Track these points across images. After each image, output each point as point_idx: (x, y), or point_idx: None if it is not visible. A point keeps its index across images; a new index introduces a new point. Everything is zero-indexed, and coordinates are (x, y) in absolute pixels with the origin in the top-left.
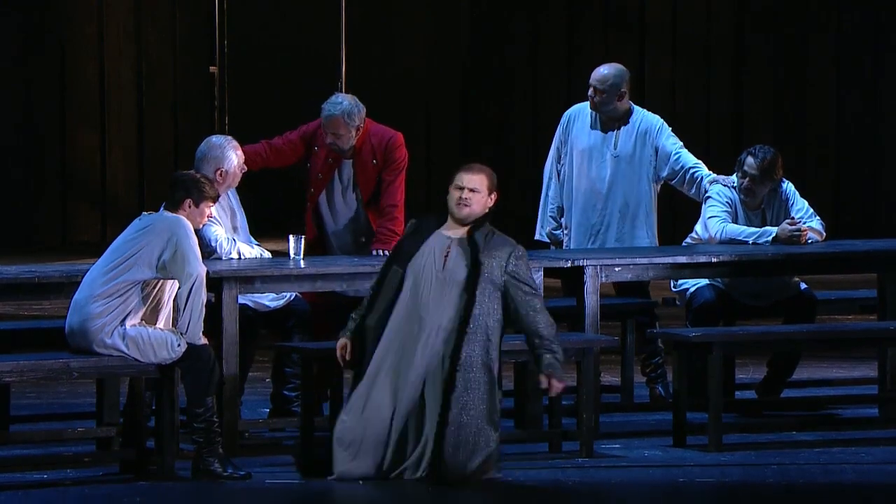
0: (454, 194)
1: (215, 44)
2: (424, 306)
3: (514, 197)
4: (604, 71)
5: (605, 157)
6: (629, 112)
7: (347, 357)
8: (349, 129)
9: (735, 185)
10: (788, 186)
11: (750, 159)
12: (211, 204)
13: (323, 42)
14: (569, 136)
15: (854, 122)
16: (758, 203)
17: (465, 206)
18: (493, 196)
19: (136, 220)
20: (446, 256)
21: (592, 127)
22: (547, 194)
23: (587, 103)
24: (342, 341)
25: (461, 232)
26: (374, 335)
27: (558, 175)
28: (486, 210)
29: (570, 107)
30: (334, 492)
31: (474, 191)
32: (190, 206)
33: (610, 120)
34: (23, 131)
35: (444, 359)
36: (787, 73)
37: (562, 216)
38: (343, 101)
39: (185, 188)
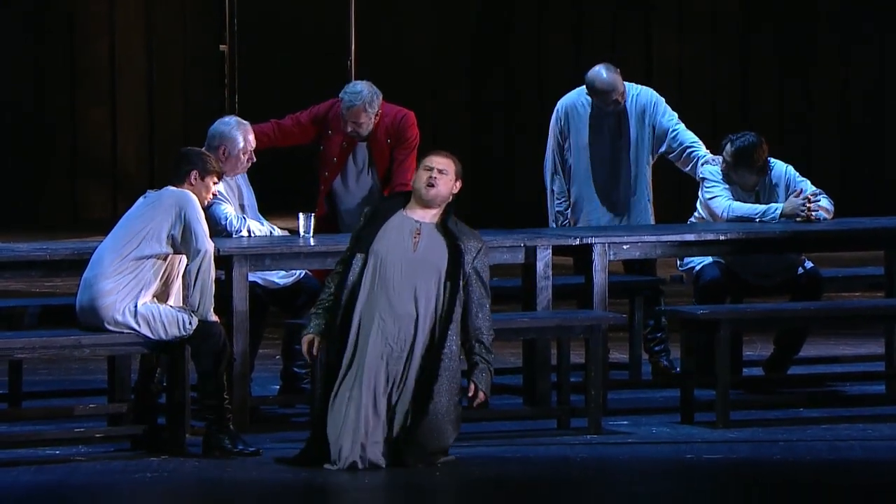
0: (422, 175)
1: (225, 22)
2: (396, 289)
3: (522, 178)
4: (611, 76)
5: (611, 144)
6: (624, 93)
7: (315, 353)
8: (369, 116)
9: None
10: (788, 170)
11: (728, 146)
12: (216, 178)
13: (332, 20)
14: (568, 131)
15: (861, 99)
16: (750, 185)
17: (433, 186)
18: (458, 182)
19: (142, 199)
20: (416, 239)
21: (592, 118)
22: (552, 189)
23: (577, 93)
24: (308, 338)
25: (429, 216)
26: (341, 326)
27: (563, 167)
28: (451, 195)
29: (575, 82)
30: (340, 474)
31: (443, 172)
32: (195, 180)
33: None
34: (33, 109)
35: (420, 346)
36: (793, 52)
37: (569, 208)
38: (362, 90)
39: (190, 161)
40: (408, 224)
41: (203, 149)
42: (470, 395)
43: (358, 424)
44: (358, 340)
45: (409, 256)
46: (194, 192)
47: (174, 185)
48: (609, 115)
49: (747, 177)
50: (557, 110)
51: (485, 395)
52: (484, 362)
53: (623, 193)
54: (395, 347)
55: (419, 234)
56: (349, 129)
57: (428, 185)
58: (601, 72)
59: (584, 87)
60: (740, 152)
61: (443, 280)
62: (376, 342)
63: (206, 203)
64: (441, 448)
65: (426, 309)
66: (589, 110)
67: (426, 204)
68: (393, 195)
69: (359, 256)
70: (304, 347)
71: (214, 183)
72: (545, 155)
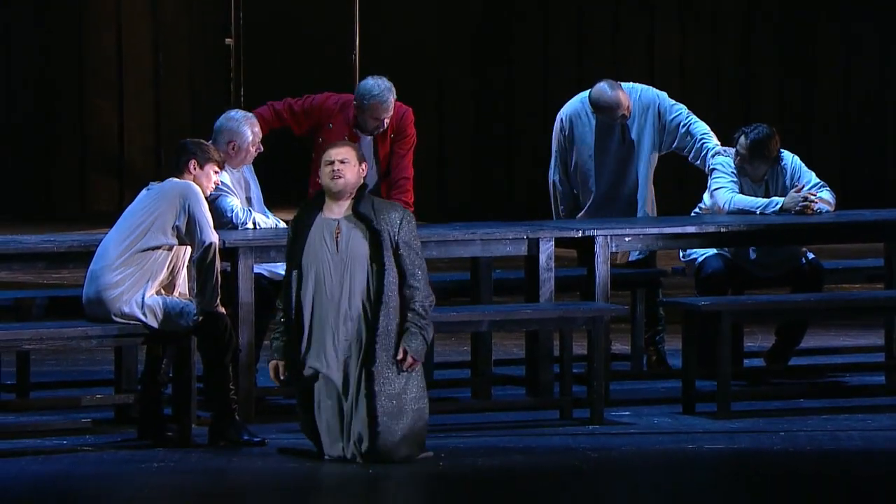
0: (326, 170)
1: (231, 16)
2: (330, 293)
3: (523, 168)
4: (615, 94)
5: (616, 148)
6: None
7: (282, 377)
8: (390, 111)
9: None
10: (794, 160)
11: (742, 139)
12: (217, 168)
13: (336, 15)
14: (572, 142)
15: (862, 92)
16: (760, 175)
17: (340, 177)
18: (363, 165)
19: (145, 190)
20: (337, 237)
21: (593, 128)
22: (557, 195)
23: (579, 101)
24: (273, 364)
25: (344, 209)
26: (298, 343)
27: (567, 175)
28: (360, 179)
29: (578, 81)
30: (345, 465)
31: (344, 162)
32: (195, 169)
33: None
34: (40, 100)
35: (361, 332)
36: (795, 45)
37: (575, 212)
38: (383, 86)
39: (188, 151)
40: (327, 225)
41: (210, 143)
42: (399, 358)
43: (332, 435)
44: (309, 355)
45: (336, 256)
46: (195, 182)
47: (176, 177)
48: (613, 124)
49: (762, 168)
50: (561, 119)
51: (413, 358)
52: (415, 327)
53: (629, 198)
54: (350, 350)
55: (339, 231)
56: (372, 126)
57: (335, 178)
58: (605, 90)
59: (586, 94)
60: (756, 144)
61: (369, 265)
62: (331, 352)
63: (208, 192)
64: (402, 435)
65: (359, 298)
66: (593, 119)
67: (338, 196)
68: (306, 202)
69: (294, 273)
70: (271, 374)
71: (215, 172)
72: (550, 162)
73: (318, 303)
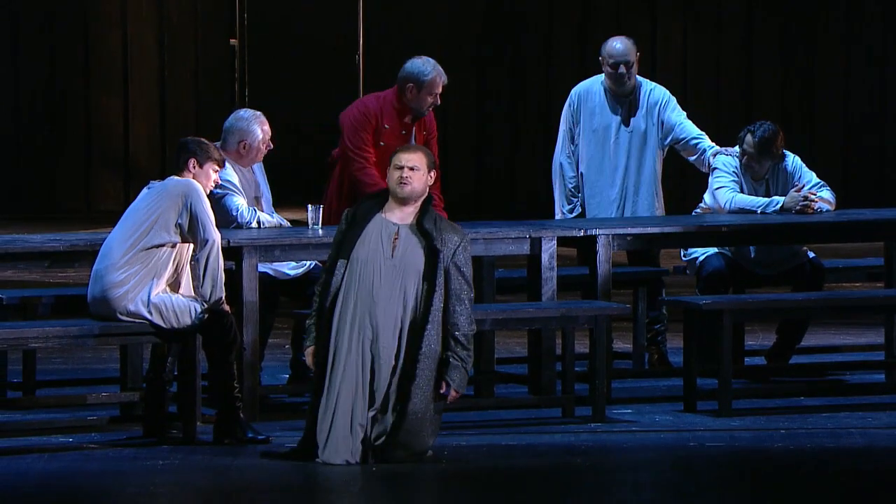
0: (394, 174)
1: (236, 16)
2: (376, 295)
3: (525, 168)
4: (622, 46)
5: (619, 133)
6: (637, 85)
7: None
8: (445, 83)
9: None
10: (795, 160)
11: (749, 137)
12: (216, 166)
13: (341, 15)
14: (580, 115)
15: (863, 91)
16: (762, 174)
17: (406, 184)
18: (432, 174)
19: (146, 189)
20: (395, 243)
21: (604, 105)
22: (563, 175)
23: (592, 81)
24: (311, 349)
25: (407, 217)
26: (325, 334)
27: (573, 152)
28: (427, 188)
29: (581, 73)
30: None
31: (414, 169)
32: (195, 167)
33: (620, 96)
34: (47, 100)
35: (401, 349)
36: (796, 43)
37: (578, 191)
38: (429, 61)
39: (188, 150)
40: (386, 228)
41: (219, 143)
42: (441, 391)
43: (337, 434)
44: (338, 347)
45: (388, 261)
46: (196, 181)
47: (176, 175)
48: (621, 104)
49: (767, 164)
50: (571, 95)
51: (457, 392)
52: (457, 359)
53: (629, 179)
54: (380, 354)
55: (397, 237)
56: (429, 103)
57: (401, 184)
58: (617, 39)
59: (600, 75)
60: (763, 142)
61: (420, 282)
62: (357, 350)
63: (207, 191)
64: (420, 450)
65: (408, 312)
66: (603, 97)
67: (403, 202)
68: (369, 196)
69: (341, 262)
70: (309, 360)
71: (215, 171)
72: (556, 142)
73: (355, 300)
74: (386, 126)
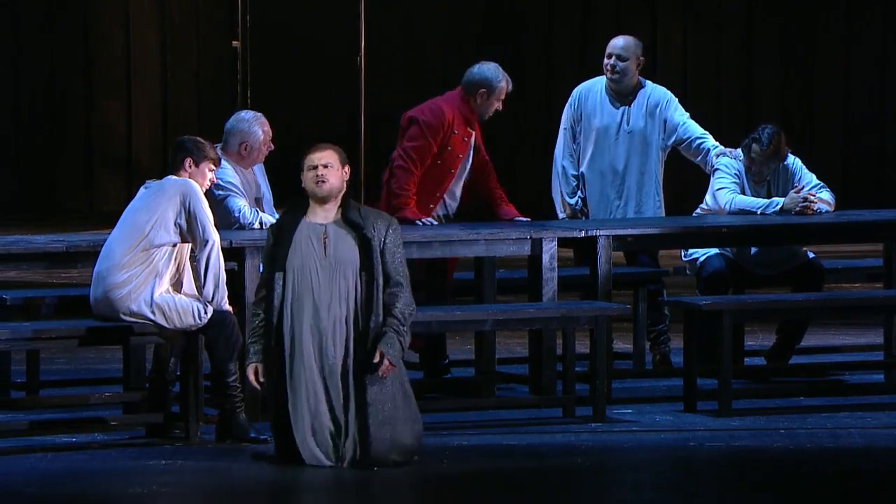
0: (309, 175)
1: (238, 18)
2: (317, 298)
3: (525, 169)
4: (622, 41)
5: (620, 133)
6: (639, 86)
7: (262, 379)
8: None
9: (741, 157)
10: (795, 161)
11: (755, 146)
12: (213, 166)
13: (342, 18)
14: (581, 114)
15: (863, 91)
16: (765, 177)
17: (324, 181)
18: (346, 168)
19: (143, 189)
20: (325, 242)
21: (605, 104)
22: (565, 175)
23: (594, 81)
24: (252, 367)
25: (330, 214)
26: (277, 348)
27: (574, 152)
28: (344, 183)
29: (581, 74)
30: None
31: (328, 166)
32: (190, 166)
33: (621, 95)
34: (49, 101)
35: (349, 345)
36: (796, 43)
37: (579, 189)
38: (496, 66)
39: (185, 149)
40: (314, 230)
41: (219, 145)
42: (375, 361)
43: (307, 444)
44: (293, 359)
45: (323, 261)
46: (192, 179)
47: (172, 174)
48: (622, 105)
49: (774, 166)
50: (573, 95)
51: (391, 363)
52: (392, 331)
53: (630, 180)
54: (333, 355)
55: (326, 236)
56: (494, 108)
57: (319, 183)
58: (623, 36)
59: (602, 76)
60: (774, 149)
61: (358, 273)
62: (312, 356)
63: (204, 190)
64: (403, 444)
65: (350, 308)
66: (604, 97)
67: (323, 201)
68: (288, 206)
69: (278, 276)
70: (251, 377)
71: (211, 170)
72: (557, 141)
73: (299, 307)
74: (455, 132)
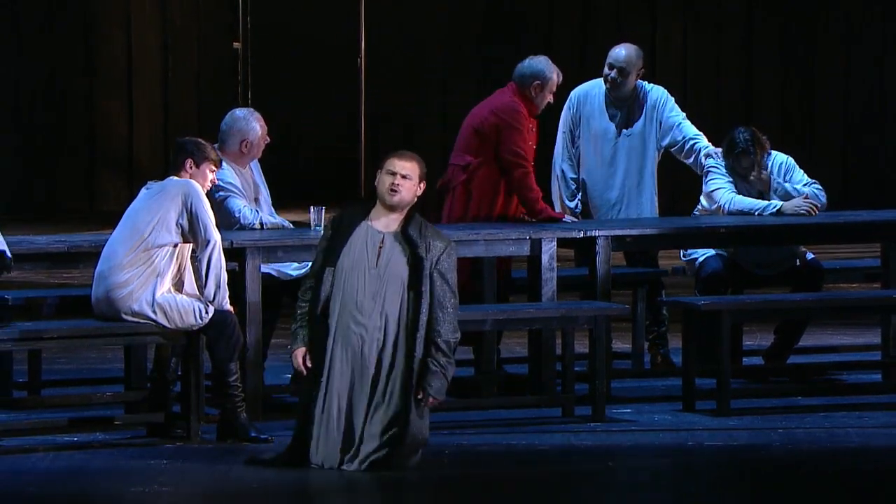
0: (386, 180)
1: (239, 19)
2: (359, 304)
3: None
4: (624, 52)
5: (619, 136)
6: (635, 89)
7: (309, 364)
8: None
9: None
10: (788, 160)
11: (744, 160)
12: (213, 167)
13: (343, 18)
14: (580, 117)
15: (863, 91)
16: (756, 173)
17: (396, 192)
18: (422, 184)
19: (144, 189)
20: (380, 251)
21: (602, 108)
22: (564, 178)
23: (592, 84)
24: (300, 351)
25: (392, 224)
26: (319, 338)
27: (572, 155)
28: (415, 198)
29: (581, 74)
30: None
31: (406, 177)
32: (191, 167)
33: (619, 99)
34: (50, 101)
35: (387, 357)
36: (796, 43)
37: (578, 192)
38: (545, 58)
39: (186, 150)
40: (371, 236)
41: (217, 144)
42: (418, 397)
43: (329, 441)
44: (332, 354)
45: (372, 270)
46: (193, 180)
47: (174, 175)
48: (620, 107)
49: (762, 158)
50: (571, 98)
51: (434, 398)
52: (437, 365)
53: (628, 181)
54: (363, 361)
55: (382, 245)
56: (548, 100)
57: (391, 191)
58: (624, 45)
59: (599, 79)
60: (760, 159)
61: (406, 290)
62: (343, 358)
63: (205, 191)
64: (416, 450)
65: (392, 320)
66: (602, 99)
67: (390, 209)
68: (353, 203)
69: (328, 270)
70: (298, 360)
71: (211, 171)
72: (555, 144)
73: (342, 308)
74: (530, 126)
